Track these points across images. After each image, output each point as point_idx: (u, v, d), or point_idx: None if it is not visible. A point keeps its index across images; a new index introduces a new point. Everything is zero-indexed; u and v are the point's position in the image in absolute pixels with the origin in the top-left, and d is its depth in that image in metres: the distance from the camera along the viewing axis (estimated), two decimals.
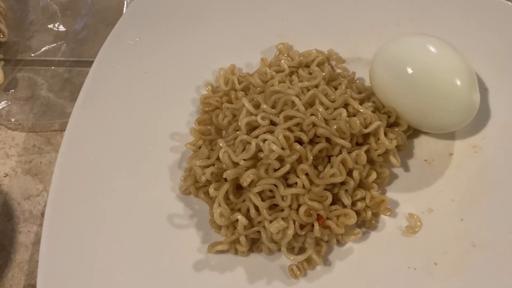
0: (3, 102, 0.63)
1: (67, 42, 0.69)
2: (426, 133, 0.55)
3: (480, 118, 0.54)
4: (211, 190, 0.48)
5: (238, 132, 0.50)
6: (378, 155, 0.51)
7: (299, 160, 0.48)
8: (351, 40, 0.62)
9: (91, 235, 0.48)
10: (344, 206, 0.49)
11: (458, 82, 0.50)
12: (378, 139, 0.51)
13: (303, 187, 0.47)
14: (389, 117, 0.53)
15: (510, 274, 0.45)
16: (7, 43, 0.68)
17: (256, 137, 0.48)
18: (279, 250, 0.48)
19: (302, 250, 0.48)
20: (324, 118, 0.49)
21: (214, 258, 0.48)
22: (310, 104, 0.50)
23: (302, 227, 0.47)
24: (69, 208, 0.48)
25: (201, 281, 0.47)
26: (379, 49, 0.54)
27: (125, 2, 0.73)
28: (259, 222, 0.48)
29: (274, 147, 0.46)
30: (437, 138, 0.55)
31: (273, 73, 0.57)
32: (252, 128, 0.50)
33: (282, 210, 0.47)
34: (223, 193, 0.47)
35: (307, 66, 0.59)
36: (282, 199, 0.47)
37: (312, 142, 0.49)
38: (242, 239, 0.47)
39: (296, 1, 0.63)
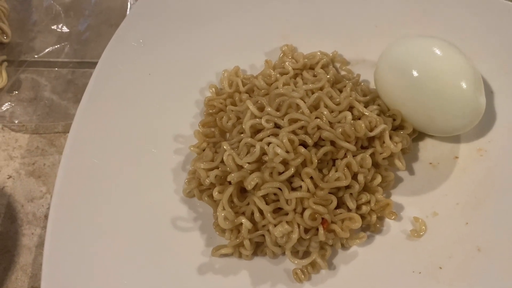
0: (6, 104, 0.63)
1: (70, 43, 0.69)
2: (431, 136, 0.55)
3: (486, 121, 0.53)
4: (215, 193, 0.48)
5: (242, 134, 0.50)
6: (383, 159, 0.51)
7: (304, 164, 0.47)
8: (356, 42, 0.61)
9: (94, 237, 0.47)
10: (349, 210, 0.49)
11: (464, 85, 0.49)
12: (383, 142, 0.50)
13: (308, 190, 0.47)
14: (394, 120, 0.53)
15: None
16: (10, 44, 0.68)
17: (261, 140, 0.48)
18: (284, 253, 0.48)
19: (306, 253, 0.48)
20: (329, 121, 0.49)
21: (218, 261, 0.48)
22: (314, 107, 0.50)
23: (306, 231, 0.47)
24: (73, 210, 0.48)
25: (205, 285, 0.47)
26: (384, 51, 0.54)
27: (129, 3, 0.72)
28: (264, 226, 0.48)
29: (279, 150, 0.46)
30: (443, 141, 0.55)
31: (278, 75, 0.57)
32: (256, 130, 0.50)
33: (287, 214, 0.47)
34: (227, 196, 0.47)
35: (312, 68, 0.59)
36: (287, 203, 0.47)
37: (316, 145, 0.49)
38: (246, 242, 0.47)
39: (300, 3, 0.63)
